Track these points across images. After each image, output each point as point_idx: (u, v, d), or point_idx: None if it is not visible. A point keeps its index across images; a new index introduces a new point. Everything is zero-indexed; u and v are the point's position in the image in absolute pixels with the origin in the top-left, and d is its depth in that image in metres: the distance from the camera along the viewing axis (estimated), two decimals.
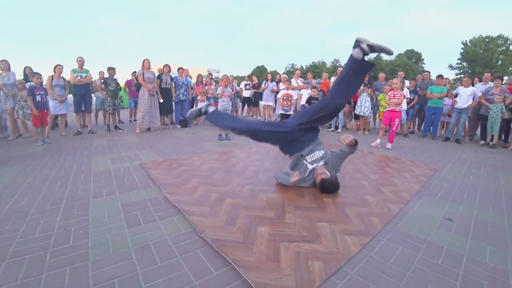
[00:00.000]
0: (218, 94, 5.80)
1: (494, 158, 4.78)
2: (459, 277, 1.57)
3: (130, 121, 8.93)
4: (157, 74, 7.10)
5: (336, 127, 7.30)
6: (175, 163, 3.74)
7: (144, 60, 6.51)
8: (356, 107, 6.99)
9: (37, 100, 5.42)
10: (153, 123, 6.76)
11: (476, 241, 1.96)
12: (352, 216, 2.20)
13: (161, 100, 7.08)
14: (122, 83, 9.35)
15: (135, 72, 8.48)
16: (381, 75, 7.73)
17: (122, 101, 9.52)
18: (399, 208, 2.41)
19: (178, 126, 7.71)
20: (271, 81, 8.96)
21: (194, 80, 8.69)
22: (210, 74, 9.29)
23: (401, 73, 7.61)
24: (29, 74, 6.41)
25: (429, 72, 7.58)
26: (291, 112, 6.53)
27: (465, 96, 6.16)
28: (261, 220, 2.08)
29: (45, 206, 2.47)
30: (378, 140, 5.28)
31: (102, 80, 7.01)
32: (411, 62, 48.37)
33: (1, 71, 5.75)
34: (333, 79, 7.38)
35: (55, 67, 6.01)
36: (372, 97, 6.98)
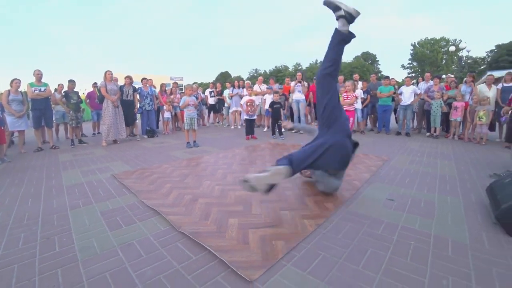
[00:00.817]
0: (181, 105, 6.01)
1: (436, 147, 5.61)
2: (393, 241, 2.02)
3: (94, 134, 8.75)
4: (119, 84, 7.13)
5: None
6: (147, 172, 3.92)
7: (106, 72, 6.51)
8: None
9: None
10: (119, 135, 6.75)
11: (410, 214, 2.45)
12: (310, 204, 2.61)
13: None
14: (82, 95, 9.15)
15: (96, 83, 8.37)
16: (340, 78, 8.46)
17: (84, 114, 9.31)
18: (351, 195, 2.87)
19: (145, 136, 7.75)
20: (238, 87, 9.32)
21: (158, 89, 8.77)
22: (175, 83, 9.41)
23: (356, 76, 8.46)
24: None
25: (376, 74, 8.51)
26: (255, 117, 6.95)
27: (408, 94, 7.12)
28: (231, 214, 2.41)
29: (22, 220, 2.56)
30: None
31: (63, 93, 6.87)
32: (367, 63, 51.81)
33: None
34: (293, 83, 7.94)
35: (11, 81, 5.83)
36: None
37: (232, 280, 1.60)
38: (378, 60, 55.57)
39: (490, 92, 6.28)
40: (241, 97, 8.30)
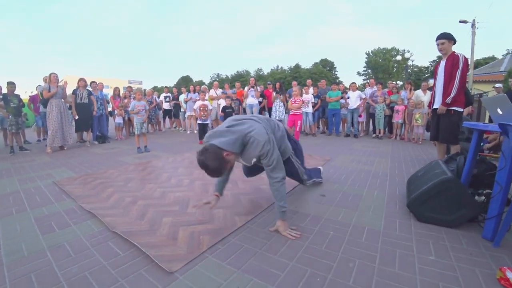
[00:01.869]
0: (130, 110, 6.00)
1: (378, 146, 6.25)
2: (314, 232, 2.24)
3: (39, 140, 8.28)
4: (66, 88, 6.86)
5: None
6: (91, 178, 3.89)
7: (50, 74, 6.25)
8: (272, 112, 7.99)
9: None
10: (66, 140, 6.48)
11: (336, 208, 2.73)
12: (245, 202, 2.85)
13: (76, 117, 6.86)
14: (25, 98, 8.58)
15: (40, 85, 7.93)
16: (294, 83, 8.95)
17: (27, 119, 8.73)
18: (286, 192, 3.13)
19: (96, 142, 7.52)
20: (194, 92, 9.40)
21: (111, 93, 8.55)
22: (129, 87, 9.21)
23: (308, 81, 9.04)
24: None
25: (325, 80, 9.18)
26: (208, 122, 7.10)
27: (354, 98, 7.86)
28: (166, 213, 2.55)
29: None
30: None
31: (1, 97, 6.42)
32: (325, 70, 54.52)
33: None
34: (246, 88, 8.26)
35: None
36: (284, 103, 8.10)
37: (154, 272, 1.75)
38: (336, 67, 58.86)
39: (425, 97, 7.14)
40: (194, 102, 8.41)
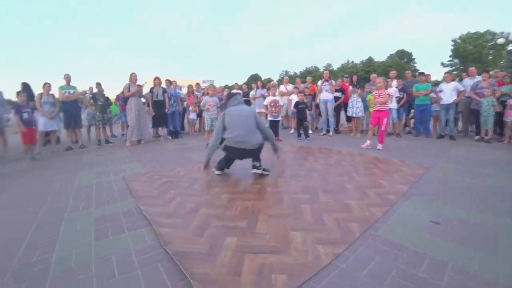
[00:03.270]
0: (201, 105, 5.82)
1: (488, 153, 4.71)
2: None
3: (123, 134, 8.95)
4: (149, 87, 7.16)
5: (328, 131, 7.26)
6: (158, 175, 3.70)
7: (131, 74, 6.55)
8: (348, 109, 6.99)
9: (24, 117, 5.45)
10: (142, 135, 6.74)
11: (463, 246, 1.82)
12: (330, 223, 2.13)
13: (153, 114, 7.11)
14: (112, 97, 9.44)
15: (99, 83, 8.57)
16: (373, 76, 7.73)
17: (113, 115, 9.60)
18: (382, 212, 2.32)
19: (169, 137, 7.71)
20: (262, 88, 8.98)
21: (185, 91, 8.75)
22: (197, 84, 9.26)
23: (393, 72, 7.66)
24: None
25: (411, 71, 7.62)
26: (279, 118, 6.52)
27: (448, 91, 6.19)
28: (230, 230, 2.02)
29: (18, 223, 2.43)
30: (368, 142, 5.23)
31: (90, 96, 7.05)
32: (402, 61, 48.62)
33: None
34: (319, 82, 7.39)
35: (43, 85, 6.06)
36: (363, 98, 6.98)
37: None
38: (414, 58, 51.83)
39: None
40: (264, 98, 7.93)
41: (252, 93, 9.08)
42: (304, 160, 4.27)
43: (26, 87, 6.52)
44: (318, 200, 2.59)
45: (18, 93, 5.77)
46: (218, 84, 15.65)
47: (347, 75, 8.15)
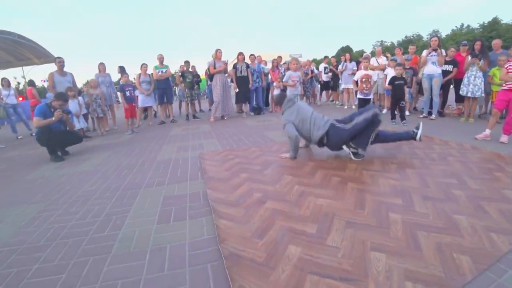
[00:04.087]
0: (284, 80, 5.41)
1: None
2: None
3: (210, 109, 9.43)
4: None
5: (430, 113, 5.85)
6: (232, 154, 3.60)
7: (216, 50, 6.61)
8: (462, 86, 5.37)
9: (127, 95, 6.16)
10: (226, 111, 6.88)
11: None
12: (427, 248, 1.51)
13: (236, 90, 7.13)
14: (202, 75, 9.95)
15: (188, 61, 8.83)
16: (496, 42, 5.72)
17: (201, 91, 10.16)
18: (511, 245, 1.54)
19: (252, 113, 7.68)
20: (350, 61, 7.93)
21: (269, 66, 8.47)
22: (279, 57, 8.75)
23: None
24: (119, 73, 7.33)
25: None
26: (371, 96, 5.59)
27: None
28: (296, 236, 1.66)
29: (106, 192, 2.67)
30: (488, 131, 3.87)
31: (180, 73, 7.50)
32: None
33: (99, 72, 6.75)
34: (425, 52, 5.89)
35: (141, 66, 6.71)
36: (485, 72, 5.27)
37: None
38: None
39: None
40: (352, 73, 6.94)
41: (339, 67, 8.14)
42: (396, 150, 3.47)
43: (122, 69, 7.36)
44: (413, 209, 1.94)
45: (122, 75, 6.53)
46: (306, 58, 14.56)
47: (465, 41, 6.24)
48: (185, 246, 1.65)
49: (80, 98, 6.04)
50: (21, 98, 8.43)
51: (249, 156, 3.48)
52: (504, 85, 3.88)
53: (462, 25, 46.69)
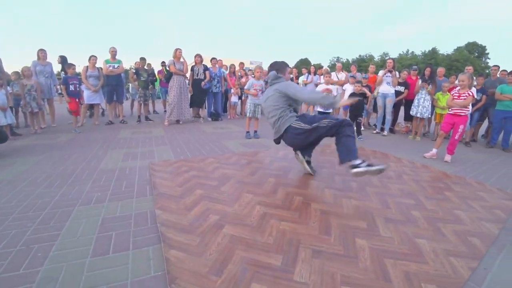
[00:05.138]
0: (245, 88, 5.24)
1: None
2: None
3: (165, 111, 8.88)
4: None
5: (382, 129, 6.30)
6: (187, 166, 3.29)
7: (176, 49, 6.20)
8: (412, 107, 5.84)
9: (70, 89, 5.44)
10: (182, 115, 6.48)
11: None
12: (396, 280, 1.43)
13: (191, 93, 6.77)
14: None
15: (164, 62, 8.33)
16: (440, 70, 6.39)
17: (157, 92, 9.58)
18: (470, 270, 1.55)
19: (209, 119, 7.38)
20: (315, 74, 8.11)
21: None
22: (241, 63, 8.64)
23: (469, 68, 6.27)
24: (60, 63, 6.51)
25: (498, 67, 6.09)
26: (330, 110, 5.72)
27: None
28: (259, 271, 1.47)
29: (29, 211, 2.18)
30: (434, 150, 4.23)
31: (133, 70, 6.92)
32: (472, 56, 42.57)
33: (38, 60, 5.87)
34: (381, 72, 6.30)
35: (89, 58, 6.01)
36: (432, 96, 5.79)
37: None
38: (488, 53, 45.03)
39: None
40: (316, 85, 7.09)
41: (302, 78, 8.27)
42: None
43: (63, 60, 6.55)
44: (378, 233, 1.90)
45: (68, 66, 5.75)
46: (266, 66, 14.57)
47: (415, 66, 6.82)
48: None
49: (8, 88, 5.16)
50: None
51: (205, 169, 3.21)
52: (450, 110, 4.22)
53: (408, 50, 52.17)
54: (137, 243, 1.73)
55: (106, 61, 6.25)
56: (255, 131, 5.28)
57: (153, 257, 1.59)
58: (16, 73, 5.72)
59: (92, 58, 6.01)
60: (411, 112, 5.86)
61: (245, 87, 5.25)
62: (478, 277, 1.53)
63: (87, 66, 6.01)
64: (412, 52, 51.04)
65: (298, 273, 1.45)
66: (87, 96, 6.06)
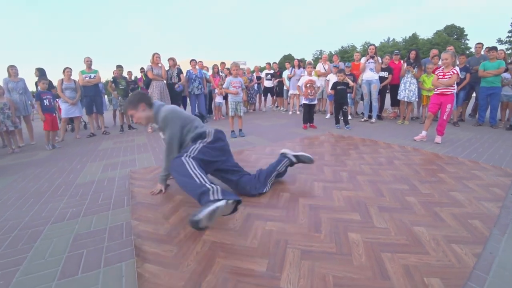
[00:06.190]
0: (224, 86, 5.08)
1: None
2: None
3: None
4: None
5: (370, 116, 6.21)
6: None
7: (153, 54, 6.00)
8: (399, 91, 5.78)
9: (45, 104, 5.20)
10: None
11: None
12: (395, 276, 1.30)
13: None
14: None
15: (143, 68, 8.11)
16: (433, 51, 6.27)
17: None
18: (475, 257, 1.44)
19: None
20: (298, 68, 8.00)
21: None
22: (222, 64, 8.52)
23: (450, 47, 6.24)
24: (37, 76, 6.23)
25: (482, 44, 6.09)
26: (315, 102, 5.61)
27: None
28: (241, 280, 1.32)
29: (3, 227, 2.02)
30: (424, 133, 4.17)
31: (111, 80, 6.69)
32: (451, 39, 43.25)
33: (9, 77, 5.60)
34: (363, 59, 6.22)
35: (64, 70, 5.77)
36: (417, 79, 5.74)
37: None
38: (466, 34, 45.74)
39: None
40: (298, 79, 6.98)
41: (287, 72, 8.15)
42: (345, 156, 3.41)
43: (41, 72, 6.29)
44: (372, 225, 1.77)
45: (39, 80, 5.51)
46: (251, 65, 14.23)
47: (397, 51, 6.76)
48: None
49: None
50: None
51: None
52: (435, 90, 4.14)
53: (389, 38, 52.53)
54: (109, 260, 1.57)
55: (82, 72, 6.00)
56: (240, 130, 5.14)
57: (125, 274, 1.43)
58: None
59: (67, 70, 5.77)
60: (398, 97, 5.82)
61: (224, 86, 5.09)
62: (484, 263, 1.42)
63: (62, 79, 5.77)
64: (393, 39, 51.31)
65: (286, 279, 1.31)
66: (65, 109, 5.82)
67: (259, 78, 9.32)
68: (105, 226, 1.99)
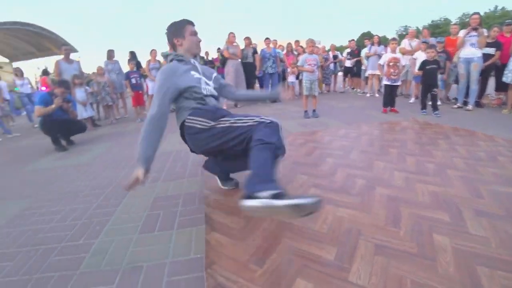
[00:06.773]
0: (298, 64, 4.88)
1: None
2: None
3: None
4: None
5: (465, 103, 5.03)
6: None
7: (229, 34, 6.17)
8: (506, 72, 4.59)
9: (133, 82, 5.92)
10: None
11: None
12: None
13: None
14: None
15: (219, 48, 8.37)
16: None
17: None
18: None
19: (267, 101, 7.23)
20: (379, 44, 7.20)
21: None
22: (297, 42, 8.20)
23: None
24: (130, 58, 7.03)
25: None
26: (399, 83, 4.96)
27: None
28: (307, 265, 1.25)
29: (96, 189, 2.42)
30: None
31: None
32: None
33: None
34: (462, 32, 5.08)
35: (151, 52, 6.42)
36: None
37: None
38: None
39: None
40: (379, 57, 6.25)
41: (365, 50, 7.45)
42: (433, 146, 2.94)
43: (132, 55, 7.08)
44: (466, 230, 1.46)
45: (128, 62, 6.28)
46: (327, 44, 13.09)
47: (510, 20, 5.34)
48: (164, 268, 1.30)
49: (87, 87, 5.87)
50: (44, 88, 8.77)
51: None
52: None
53: (496, 7, 42.49)
54: (182, 223, 1.69)
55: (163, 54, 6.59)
56: (314, 110, 4.91)
57: (194, 239, 1.52)
58: (95, 73, 6.51)
59: (153, 52, 6.42)
60: (504, 79, 4.59)
61: (299, 63, 4.89)
62: None
63: (149, 60, 6.43)
64: (503, 7, 40.90)
65: (355, 273, 1.19)
66: (152, 87, 6.51)
67: (335, 57, 8.77)
68: (180, 192, 2.16)
